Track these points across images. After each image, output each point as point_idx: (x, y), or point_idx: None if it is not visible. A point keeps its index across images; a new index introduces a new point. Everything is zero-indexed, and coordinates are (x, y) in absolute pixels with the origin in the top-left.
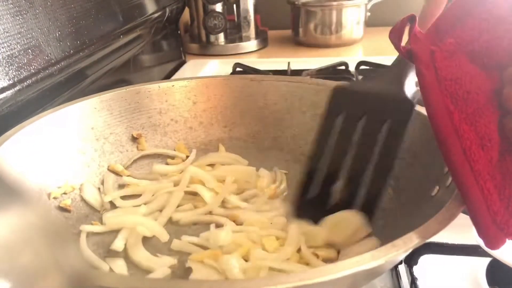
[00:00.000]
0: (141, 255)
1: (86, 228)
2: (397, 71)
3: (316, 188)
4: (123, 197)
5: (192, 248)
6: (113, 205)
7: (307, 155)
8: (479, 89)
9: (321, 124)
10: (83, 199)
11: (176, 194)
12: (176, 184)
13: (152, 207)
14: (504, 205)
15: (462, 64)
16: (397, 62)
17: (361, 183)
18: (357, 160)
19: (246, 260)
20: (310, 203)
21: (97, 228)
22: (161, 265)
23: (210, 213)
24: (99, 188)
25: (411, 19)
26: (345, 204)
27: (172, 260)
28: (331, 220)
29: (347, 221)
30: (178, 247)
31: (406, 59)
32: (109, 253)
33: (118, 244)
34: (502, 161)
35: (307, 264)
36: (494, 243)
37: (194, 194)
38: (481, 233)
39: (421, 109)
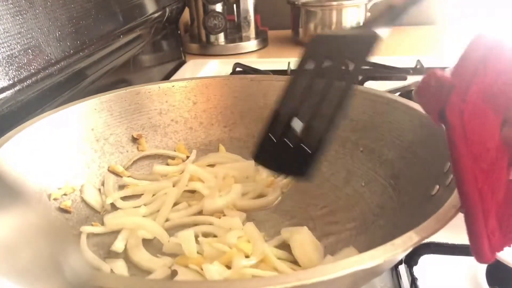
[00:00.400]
0: (141, 256)
1: (86, 229)
2: (372, 21)
3: (275, 133)
4: (124, 198)
5: (181, 249)
6: (113, 206)
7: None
8: (494, 142)
9: (292, 73)
10: (83, 200)
11: (171, 193)
12: (176, 184)
13: (152, 207)
14: (503, 233)
15: (483, 116)
16: (373, 16)
17: (314, 122)
18: (315, 99)
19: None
20: (270, 148)
21: (97, 229)
22: (162, 266)
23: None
24: (99, 189)
25: (451, 87)
26: (299, 145)
27: (172, 261)
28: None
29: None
30: (169, 250)
31: (440, 126)
32: (109, 254)
33: (118, 245)
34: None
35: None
36: (486, 260)
37: (193, 192)
38: (477, 256)
39: (420, 108)
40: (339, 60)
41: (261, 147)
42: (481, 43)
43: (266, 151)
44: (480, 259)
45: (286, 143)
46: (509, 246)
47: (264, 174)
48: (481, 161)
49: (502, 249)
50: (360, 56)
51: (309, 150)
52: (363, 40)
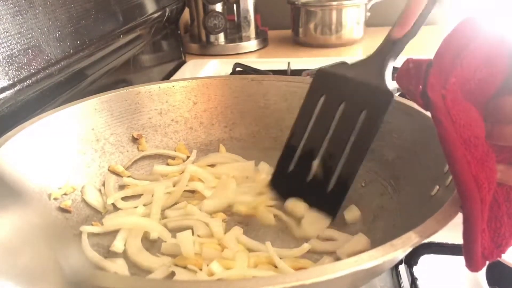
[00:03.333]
0: (141, 256)
1: (86, 229)
2: (379, 61)
3: (293, 164)
4: (124, 198)
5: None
6: (115, 206)
7: (289, 132)
8: (482, 131)
9: (303, 104)
10: (83, 200)
11: (158, 189)
12: (176, 184)
13: (150, 207)
14: (490, 236)
15: (466, 106)
16: (378, 52)
17: (335, 166)
18: (334, 142)
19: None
20: (288, 178)
21: (96, 229)
22: (161, 265)
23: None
24: (100, 190)
25: (429, 65)
26: (319, 182)
27: (172, 260)
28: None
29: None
30: (167, 251)
31: (423, 108)
32: (109, 254)
33: (117, 246)
34: (494, 195)
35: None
36: (477, 268)
37: (193, 192)
38: (469, 264)
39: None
40: (355, 107)
41: (277, 177)
42: (458, 36)
43: (283, 182)
44: (470, 264)
45: (303, 178)
46: (500, 257)
47: (264, 174)
48: (474, 149)
49: (493, 258)
50: (379, 113)
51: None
52: (382, 97)
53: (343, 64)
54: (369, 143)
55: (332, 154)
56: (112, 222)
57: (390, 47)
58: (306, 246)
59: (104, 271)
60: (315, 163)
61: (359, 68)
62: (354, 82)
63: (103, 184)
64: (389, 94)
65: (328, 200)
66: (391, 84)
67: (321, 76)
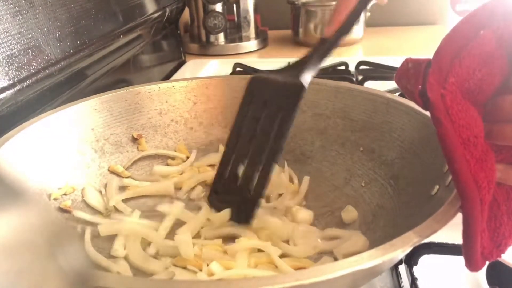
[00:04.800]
0: (142, 259)
1: (79, 214)
2: (305, 61)
3: (227, 172)
4: (125, 200)
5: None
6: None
7: (226, 143)
8: (481, 131)
9: (237, 113)
10: (83, 200)
11: (176, 209)
12: (176, 185)
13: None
14: (490, 236)
15: (465, 106)
16: (307, 53)
17: (255, 172)
18: (257, 145)
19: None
20: (224, 186)
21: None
22: (163, 267)
23: None
24: (100, 191)
25: (428, 64)
26: (243, 189)
27: (172, 261)
28: None
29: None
30: (165, 253)
31: (422, 108)
32: (109, 255)
33: (117, 251)
34: (494, 195)
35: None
36: (477, 268)
37: None
38: (468, 264)
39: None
40: (273, 107)
41: (213, 190)
42: (457, 36)
43: (217, 194)
44: (470, 263)
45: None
46: (499, 257)
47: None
48: (473, 149)
49: (493, 258)
50: (288, 107)
51: (248, 197)
52: (291, 90)
53: (270, 71)
54: (281, 145)
55: (252, 160)
56: (107, 229)
57: (319, 46)
58: None
59: (106, 271)
60: (240, 170)
61: (285, 70)
62: (275, 83)
63: (104, 186)
64: (300, 86)
65: (247, 206)
66: (308, 79)
67: (252, 82)
